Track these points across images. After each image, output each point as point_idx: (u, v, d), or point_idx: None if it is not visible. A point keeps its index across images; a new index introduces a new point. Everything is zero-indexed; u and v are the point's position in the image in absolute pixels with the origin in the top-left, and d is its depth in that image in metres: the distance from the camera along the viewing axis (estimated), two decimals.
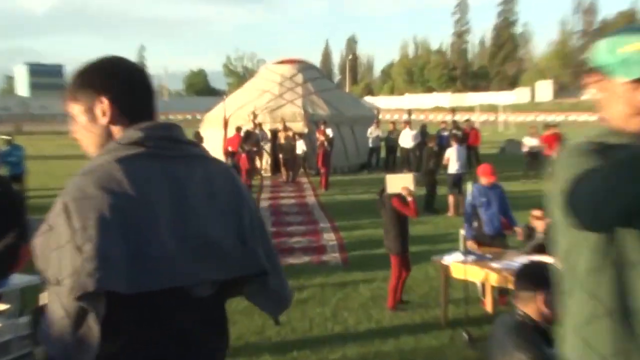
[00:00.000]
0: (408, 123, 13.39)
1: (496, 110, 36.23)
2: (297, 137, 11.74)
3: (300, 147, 11.79)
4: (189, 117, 42.25)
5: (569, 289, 0.86)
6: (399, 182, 4.23)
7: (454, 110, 20.76)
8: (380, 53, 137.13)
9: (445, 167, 8.67)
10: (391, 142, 13.62)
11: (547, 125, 11.47)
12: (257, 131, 11.99)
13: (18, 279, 2.41)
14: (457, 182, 8.46)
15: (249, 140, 10.80)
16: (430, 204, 8.61)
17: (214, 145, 12.49)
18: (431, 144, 8.97)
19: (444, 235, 6.98)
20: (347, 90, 45.29)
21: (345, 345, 3.48)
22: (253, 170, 11.01)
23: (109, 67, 0.96)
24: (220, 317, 0.96)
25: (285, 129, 12.03)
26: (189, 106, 46.29)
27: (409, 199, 4.22)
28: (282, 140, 11.88)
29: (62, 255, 0.80)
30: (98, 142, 0.96)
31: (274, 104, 13.33)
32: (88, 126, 0.92)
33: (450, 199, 8.47)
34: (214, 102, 18.17)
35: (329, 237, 7.07)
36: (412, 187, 4.28)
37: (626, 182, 0.64)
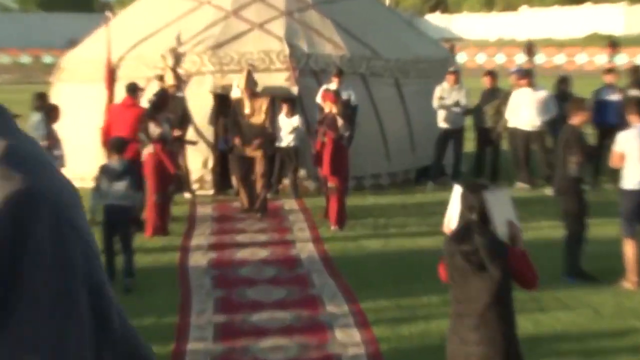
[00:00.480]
0: (526, 76, 13.85)
1: None
2: (286, 109, 12.52)
3: (289, 129, 12.57)
4: (24, 59, 43.07)
5: None
6: (504, 209, 4.66)
7: (614, 44, 20.44)
8: None
9: (616, 175, 8.93)
10: (485, 118, 14.20)
11: None
12: (180, 94, 12.34)
13: None
14: None
15: (162, 115, 10.99)
16: (575, 261, 8.80)
17: (85, 125, 13.01)
18: (578, 120, 9.04)
19: (618, 344, 6.99)
20: (387, 0, 45.20)
21: None
22: (176, 183, 11.65)
23: None
24: None
25: (252, 91, 12.22)
26: (27, 37, 47.07)
27: (519, 247, 4.65)
28: (242, 117, 12.15)
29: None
30: None
31: (222, 31, 13.64)
32: None
33: (628, 251, 8.62)
34: (84, 26, 18.69)
35: (348, 338, 7.24)
36: (514, 218, 4.73)
37: None
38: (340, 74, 12.82)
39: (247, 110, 11.88)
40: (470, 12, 60.48)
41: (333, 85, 12.61)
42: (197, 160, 13.11)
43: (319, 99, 12.18)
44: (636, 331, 6.77)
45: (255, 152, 11.83)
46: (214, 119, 13.02)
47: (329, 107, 11.40)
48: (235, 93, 12.48)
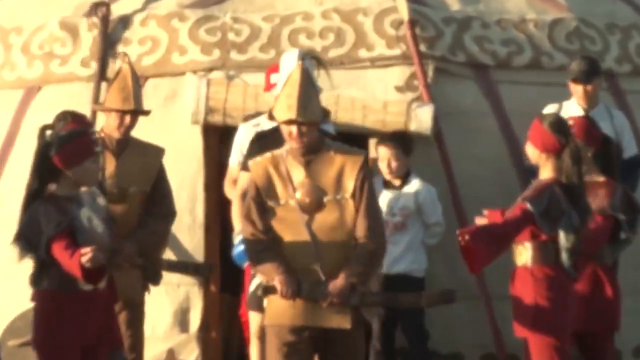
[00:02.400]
0: None
1: None
2: (388, 164, 7.73)
3: (395, 223, 7.78)
4: None
5: None
6: None
7: None
8: None
9: None
10: None
11: None
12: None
13: None
14: None
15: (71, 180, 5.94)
16: None
17: None
18: None
19: None
20: None
21: None
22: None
23: None
24: None
25: (306, 137, 6.55)
26: None
27: None
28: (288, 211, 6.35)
29: None
30: None
31: None
32: None
33: None
34: None
35: None
36: None
37: None
38: (594, 70, 7.27)
39: (298, 192, 5.67)
40: None
41: (574, 105, 7.31)
42: (158, 312, 7.42)
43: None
44: None
45: (331, 319, 5.81)
46: (211, 192, 7.58)
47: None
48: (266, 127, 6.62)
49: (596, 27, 8.28)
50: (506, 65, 7.66)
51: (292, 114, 5.28)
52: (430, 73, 7.36)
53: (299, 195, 5.44)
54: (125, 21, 7.80)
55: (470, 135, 7.51)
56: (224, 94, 7.31)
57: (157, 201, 6.62)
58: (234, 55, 7.39)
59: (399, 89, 7.30)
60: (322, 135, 5.64)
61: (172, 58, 7.63)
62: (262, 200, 5.48)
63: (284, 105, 5.47)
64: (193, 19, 7.83)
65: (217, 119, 7.19)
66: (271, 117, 5.58)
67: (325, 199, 5.47)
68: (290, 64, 6.15)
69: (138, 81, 6.75)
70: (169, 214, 6.68)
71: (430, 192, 7.28)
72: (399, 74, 7.33)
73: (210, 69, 7.53)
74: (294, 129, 5.25)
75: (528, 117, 6.72)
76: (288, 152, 5.44)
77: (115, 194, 6.24)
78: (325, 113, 5.87)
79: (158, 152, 6.80)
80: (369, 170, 5.81)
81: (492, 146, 7.32)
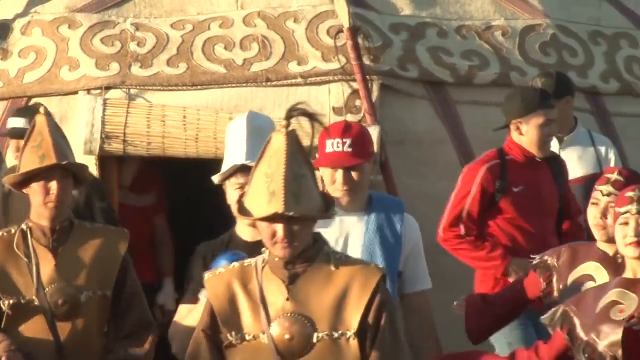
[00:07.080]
0: None
1: None
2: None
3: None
4: None
5: None
6: None
7: None
8: None
9: None
10: None
11: None
12: None
13: None
14: None
15: None
16: None
17: None
18: None
19: None
20: None
21: None
22: None
23: None
24: None
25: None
26: None
27: None
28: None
29: None
30: None
31: None
32: None
33: None
34: None
35: None
36: None
37: None
38: (561, 89, 6.70)
39: (275, 324, 4.05)
40: None
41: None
42: None
43: None
44: None
45: None
46: None
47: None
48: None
49: (578, 36, 7.43)
50: (468, 83, 6.70)
51: (279, 206, 3.72)
52: (375, 91, 6.40)
53: (275, 329, 3.96)
54: (2, 28, 6.77)
55: (424, 168, 6.53)
56: (124, 117, 6.37)
57: (124, 310, 4.81)
58: (136, 70, 6.48)
59: (338, 111, 6.37)
60: (318, 236, 4.01)
61: (60, 74, 6.68)
62: (218, 333, 3.90)
63: (263, 194, 3.91)
64: (86, 26, 6.80)
65: (115, 147, 6.24)
66: (241, 211, 3.97)
67: (315, 337, 3.94)
68: (238, 133, 4.95)
69: (63, 135, 4.91)
70: (144, 324, 4.77)
71: None
72: (337, 92, 6.40)
73: (108, 87, 6.54)
74: (280, 228, 3.71)
75: (495, 146, 6.23)
76: (266, 262, 3.92)
77: (61, 308, 4.56)
78: (329, 201, 4.08)
79: (118, 236, 4.91)
80: (388, 295, 4.16)
81: (451, 182, 6.06)
